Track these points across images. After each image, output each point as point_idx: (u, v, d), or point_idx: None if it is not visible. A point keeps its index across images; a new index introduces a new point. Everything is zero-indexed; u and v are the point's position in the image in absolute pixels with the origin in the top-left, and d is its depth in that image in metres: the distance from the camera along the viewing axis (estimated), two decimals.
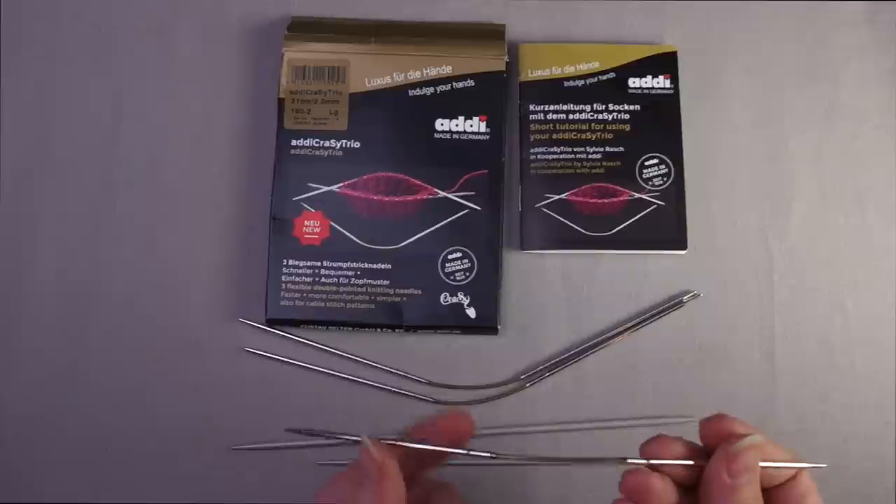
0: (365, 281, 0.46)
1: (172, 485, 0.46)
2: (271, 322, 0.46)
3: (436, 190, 0.47)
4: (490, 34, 0.49)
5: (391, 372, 0.47)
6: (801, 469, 0.29)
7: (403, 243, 0.46)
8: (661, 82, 0.49)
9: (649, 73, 0.49)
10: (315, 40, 0.49)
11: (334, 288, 0.46)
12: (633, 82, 0.49)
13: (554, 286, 0.48)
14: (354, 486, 0.29)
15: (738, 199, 0.49)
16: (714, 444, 0.30)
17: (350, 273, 0.46)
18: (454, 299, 0.46)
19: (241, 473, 0.46)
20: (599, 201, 0.47)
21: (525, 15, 0.51)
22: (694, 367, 0.47)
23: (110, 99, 0.50)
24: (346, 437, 0.31)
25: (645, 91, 0.49)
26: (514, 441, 0.46)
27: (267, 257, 0.46)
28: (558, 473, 0.46)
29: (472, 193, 0.47)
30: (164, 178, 0.49)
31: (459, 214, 0.47)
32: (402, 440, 0.31)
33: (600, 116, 0.48)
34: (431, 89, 0.48)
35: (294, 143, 0.47)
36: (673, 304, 0.48)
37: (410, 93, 0.48)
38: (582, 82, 0.49)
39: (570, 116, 0.48)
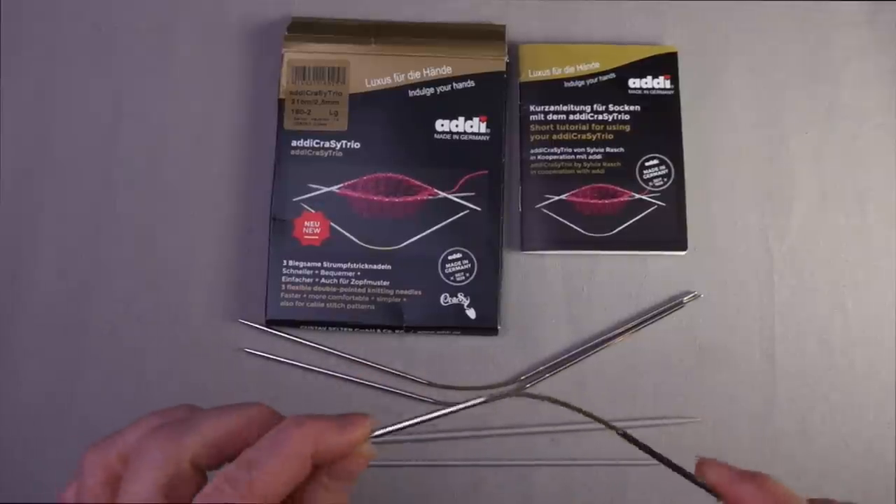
0: (365, 282, 0.46)
1: None
2: (271, 323, 0.46)
3: (436, 190, 0.47)
4: (490, 34, 0.49)
5: (391, 372, 0.47)
6: None
7: (403, 244, 0.46)
8: (662, 83, 0.49)
9: (649, 74, 0.49)
10: (315, 41, 0.49)
11: (334, 289, 0.46)
12: (634, 83, 0.49)
13: (554, 287, 0.48)
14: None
15: (739, 199, 0.49)
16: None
17: (350, 274, 0.46)
18: (454, 300, 0.46)
19: None
20: (599, 202, 0.47)
21: (525, 15, 0.51)
22: (694, 367, 0.47)
23: (110, 99, 0.50)
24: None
25: (645, 91, 0.49)
26: (514, 441, 0.46)
27: (267, 258, 0.46)
28: (558, 473, 0.46)
29: (473, 194, 0.47)
30: (164, 178, 0.49)
31: (459, 215, 0.47)
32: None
33: (600, 117, 0.48)
34: (431, 90, 0.48)
35: (294, 143, 0.47)
36: (673, 304, 0.48)
37: (410, 93, 0.48)
38: (582, 83, 0.49)
39: (571, 117, 0.48)
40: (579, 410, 0.30)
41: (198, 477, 0.25)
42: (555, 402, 0.31)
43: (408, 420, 0.29)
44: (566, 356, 0.47)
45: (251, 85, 0.50)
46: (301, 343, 0.47)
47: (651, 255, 0.48)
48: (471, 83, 0.48)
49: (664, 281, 0.48)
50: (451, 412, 0.30)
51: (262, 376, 0.47)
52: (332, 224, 0.47)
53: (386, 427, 0.28)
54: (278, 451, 0.25)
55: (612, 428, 0.30)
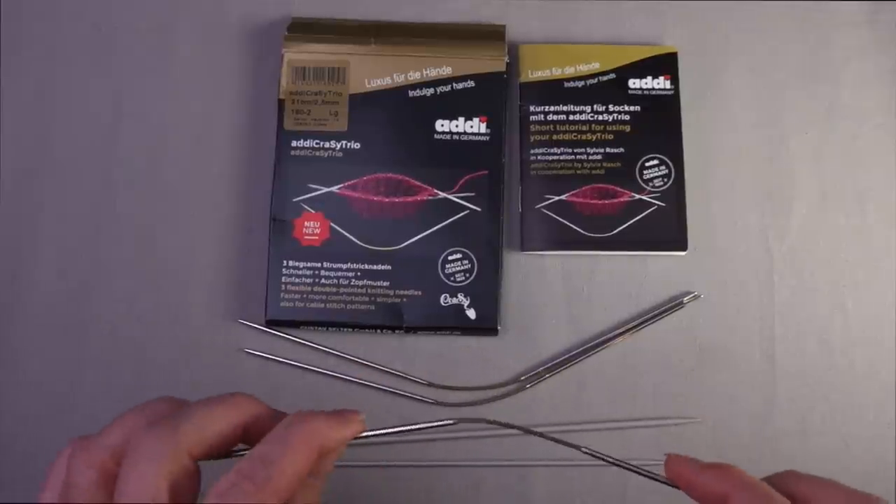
0: (365, 282, 0.46)
1: None
2: (271, 323, 0.46)
3: (436, 191, 0.47)
4: (490, 35, 0.49)
5: (391, 373, 0.47)
6: None
7: (403, 244, 0.46)
8: (662, 83, 0.49)
9: (649, 74, 0.49)
10: (315, 41, 0.49)
11: (334, 289, 0.46)
12: (634, 83, 0.49)
13: (554, 287, 0.48)
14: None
15: (738, 200, 0.49)
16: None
17: (350, 274, 0.46)
18: (454, 300, 0.46)
19: None
20: (599, 202, 0.47)
21: (525, 15, 0.51)
22: (694, 367, 0.47)
23: (110, 99, 0.50)
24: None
25: (645, 92, 0.49)
26: (514, 442, 0.46)
27: (267, 258, 0.46)
28: (558, 473, 0.46)
29: (473, 194, 0.47)
30: (164, 178, 0.49)
31: (459, 215, 0.47)
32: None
33: (600, 117, 0.48)
34: (431, 90, 0.48)
35: (294, 143, 0.47)
36: (673, 304, 0.48)
37: (410, 93, 0.48)
38: (582, 83, 0.49)
39: (571, 117, 0.48)
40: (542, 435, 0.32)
41: (196, 469, 0.25)
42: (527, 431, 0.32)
43: (385, 429, 0.30)
44: (566, 356, 0.47)
45: (251, 85, 0.50)
46: (301, 343, 0.47)
47: (651, 255, 0.48)
48: (471, 83, 0.48)
49: (664, 281, 0.48)
50: (417, 428, 0.31)
51: (262, 376, 0.47)
52: (332, 224, 0.47)
53: (372, 430, 0.30)
54: (292, 446, 0.25)
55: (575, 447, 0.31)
